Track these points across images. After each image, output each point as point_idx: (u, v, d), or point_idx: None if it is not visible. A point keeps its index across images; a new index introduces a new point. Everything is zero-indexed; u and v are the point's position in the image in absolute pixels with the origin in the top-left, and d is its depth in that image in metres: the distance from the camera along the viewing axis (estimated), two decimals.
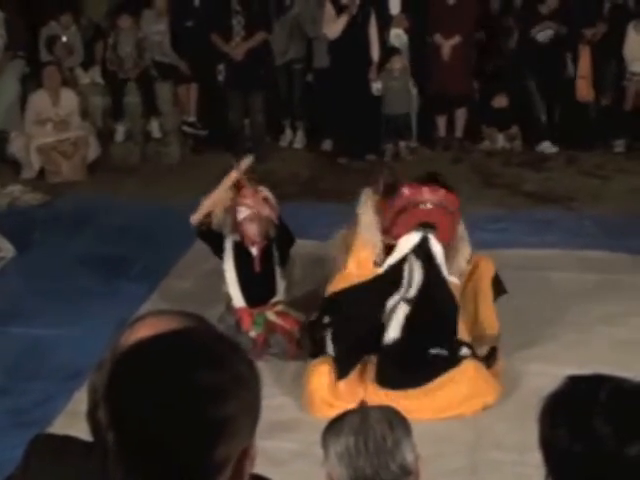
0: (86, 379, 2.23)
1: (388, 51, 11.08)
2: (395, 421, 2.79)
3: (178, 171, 10.99)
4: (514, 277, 7.10)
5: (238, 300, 6.56)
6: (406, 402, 5.51)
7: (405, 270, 6.14)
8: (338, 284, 6.33)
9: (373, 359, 6.05)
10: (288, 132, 11.86)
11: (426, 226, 6.23)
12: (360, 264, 6.35)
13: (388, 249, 6.34)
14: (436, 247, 6.21)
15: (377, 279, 6.24)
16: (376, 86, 11.05)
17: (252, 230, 6.55)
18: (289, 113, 11.85)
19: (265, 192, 6.72)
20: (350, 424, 2.77)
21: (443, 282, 6.18)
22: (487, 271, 6.56)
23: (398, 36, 11.27)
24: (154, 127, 11.77)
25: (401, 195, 6.34)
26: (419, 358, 5.96)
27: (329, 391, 5.90)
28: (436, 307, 6.07)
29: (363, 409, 2.89)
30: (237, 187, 6.63)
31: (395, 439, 2.73)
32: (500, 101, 11.35)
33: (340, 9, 10.76)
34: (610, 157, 11.09)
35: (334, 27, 10.77)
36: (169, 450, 1.59)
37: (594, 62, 11.16)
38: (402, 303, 6.03)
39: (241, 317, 6.53)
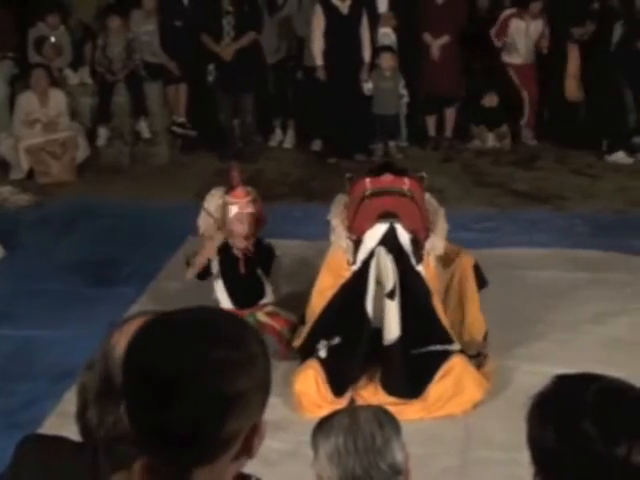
0: (76, 380, 2.22)
1: (378, 49, 11.07)
2: (384, 420, 2.78)
3: (167, 171, 10.97)
4: (504, 276, 7.11)
5: (226, 304, 6.57)
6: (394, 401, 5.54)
7: (372, 266, 5.99)
8: (316, 302, 6.25)
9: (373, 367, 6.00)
10: (278, 132, 11.86)
11: (388, 216, 6.07)
12: (334, 273, 6.22)
13: (358, 245, 6.18)
14: (403, 236, 6.05)
15: (354, 279, 6.12)
16: (367, 86, 11.04)
17: (240, 229, 6.58)
18: (279, 113, 11.84)
19: (254, 191, 6.82)
20: (339, 424, 2.76)
21: (417, 275, 6.05)
22: (469, 269, 6.47)
23: (387, 35, 11.27)
24: (143, 127, 11.76)
25: (352, 191, 6.30)
26: (418, 357, 5.95)
27: (317, 394, 5.88)
28: (416, 301, 5.99)
29: (352, 409, 2.88)
30: (229, 187, 6.67)
31: (385, 438, 2.73)
32: (491, 100, 11.36)
33: (330, 10, 10.76)
34: (600, 156, 11.10)
35: (316, 46, 10.83)
36: (182, 420, 1.61)
37: (583, 61, 11.18)
38: (386, 300, 5.93)
39: None
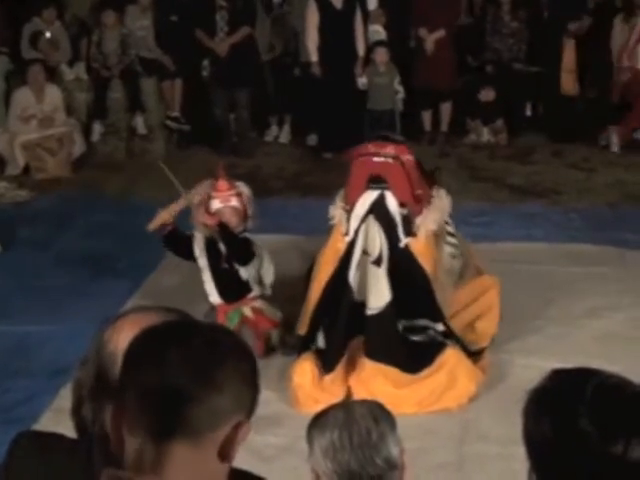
0: (71, 376, 2.22)
1: (372, 44, 11.06)
2: (380, 415, 2.79)
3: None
4: (500, 270, 7.10)
5: (213, 297, 6.57)
6: (391, 390, 5.54)
7: (360, 235, 5.98)
8: (315, 288, 6.22)
9: (360, 338, 5.97)
10: (274, 127, 11.86)
11: (377, 181, 6.03)
12: (331, 256, 6.18)
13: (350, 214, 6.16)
14: (393, 206, 6.00)
15: (346, 251, 6.06)
16: (362, 81, 11.04)
17: (225, 220, 6.53)
18: (275, 108, 11.84)
19: (242, 188, 6.70)
20: (334, 419, 2.76)
21: (405, 246, 6.01)
22: (495, 298, 6.45)
23: (377, 32, 11.26)
24: (139, 123, 11.75)
25: (349, 155, 6.31)
26: (407, 330, 5.95)
27: (313, 386, 5.88)
28: (406, 272, 5.97)
29: (347, 403, 2.89)
30: (214, 179, 6.65)
31: (380, 433, 2.73)
32: (487, 94, 11.35)
33: (324, 5, 10.75)
34: (595, 150, 11.12)
35: (311, 42, 10.81)
36: (168, 381, 1.68)
37: (579, 56, 11.18)
38: (372, 267, 5.89)
39: (217, 313, 6.56)
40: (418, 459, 5.00)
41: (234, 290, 6.61)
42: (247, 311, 6.59)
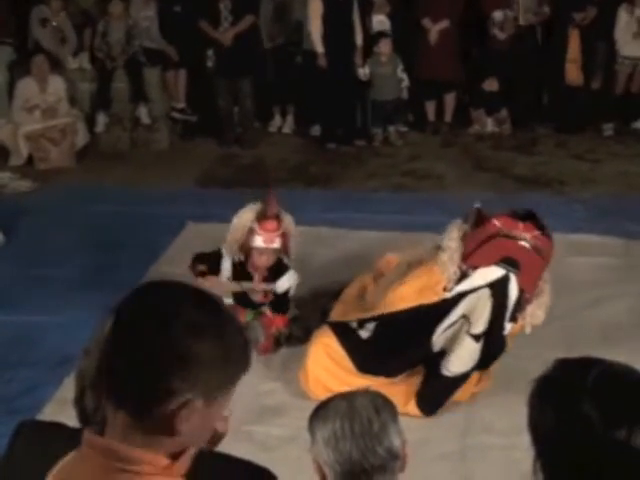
0: (75, 366, 2.22)
1: (375, 36, 11.05)
2: (381, 405, 2.78)
3: (167, 157, 10.98)
4: None
5: (227, 300, 6.45)
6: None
7: (465, 300, 5.73)
8: (389, 301, 5.99)
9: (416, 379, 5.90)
10: (277, 117, 11.85)
11: (509, 263, 5.67)
12: (422, 291, 5.88)
13: (463, 277, 5.83)
14: (513, 291, 5.69)
15: (437, 303, 5.83)
16: (363, 71, 11.02)
17: (260, 261, 6.38)
18: (279, 98, 11.83)
19: (287, 223, 6.46)
20: (336, 409, 2.76)
21: (501, 328, 5.79)
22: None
23: (381, 22, 11.24)
24: (142, 113, 11.74)
25: (491, 224, 5.79)
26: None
27: (327, 374, 5.84)
28: (489, 351, 5.84)
29: (349, 394, 2.88)
30: (261, 214, 6.36)
31: (382, 423, 2.73)
32: (491, 84, 11.33)
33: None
34: (600, 141, 11.11)
35: (316, 33, 10.79)
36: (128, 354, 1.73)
37: (583, 46, 11.16)
38: (467, 336, 5.71)
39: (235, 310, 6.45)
40: (421, 449, 5.00)
41: (252, 304, 6.57)
42: (266, 309, 6.55)
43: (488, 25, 11.24)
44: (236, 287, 6.39)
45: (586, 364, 2.04)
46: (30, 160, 10.73)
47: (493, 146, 11.07)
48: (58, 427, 2.16)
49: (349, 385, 5.16)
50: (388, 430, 2.73)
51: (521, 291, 5.71)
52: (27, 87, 10.90)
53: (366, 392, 2.91)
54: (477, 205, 6.15)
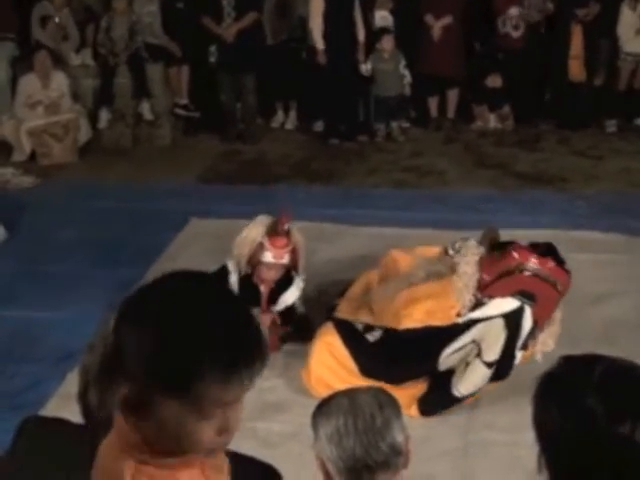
0: (78, 361, 2.22)
1: (377, 32, 11.05)
2: (384, 402, 2.78)
3: (170, 153, 10.98)
4: None
5: None
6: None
7: (477, 327, 5.72)
8: (400, 320, 5.94)
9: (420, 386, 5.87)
10: (280, 113, 11.85)
11: (526, 295, 5.69)
12: (431, 312, 5.87)
13: (478, 304, 5.83)
14: (527, 322, 5.71)
15: (447, 327, 5.81)
16: (365, 67, 11.02)
17: (268, 275, 6.38)
18: (281, 94, 11.82)
19: (296, 238, 6.44)
20: (339, 405, 2.76)
21: (513, 356, 5.78)
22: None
23: (384, 18, 11.24)
24: (145, 109, 11.74)
25: (510, 257, 5.79)
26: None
27: (330, 373, 5.84)
28: (497, 373, 5.81)
29: (352, 390, 2.89)
30: (271, 230, 6.32)
31: (384, 419, 2.73)
32: (494, 80, 11.32)
33: None
34: (602, 137, 11.10)
35: (317, 30, 10.79)
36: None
37: (586, 42, 11.14)
38: (480, 362, 5.70)
39: None
40: (423, 446, 5.01)
41: (257, 303, 6.53)
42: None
43: (498, 23, 11.23)
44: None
45: (591, 360, 2.05)
46: (33, 156, 10.73)
47: (495, 142, 11.07)
48: (62, 423, 2.17)
49: (351, 385, 5.16)
50: (391, 426, 2.73)
51: (535, 322, 5.74)
52: (30, 83, 10.90)
53: (369, 388, 2.92)
54: (492, 225, 6.28)
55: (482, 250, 6.00)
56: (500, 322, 5.69)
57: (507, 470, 5.06)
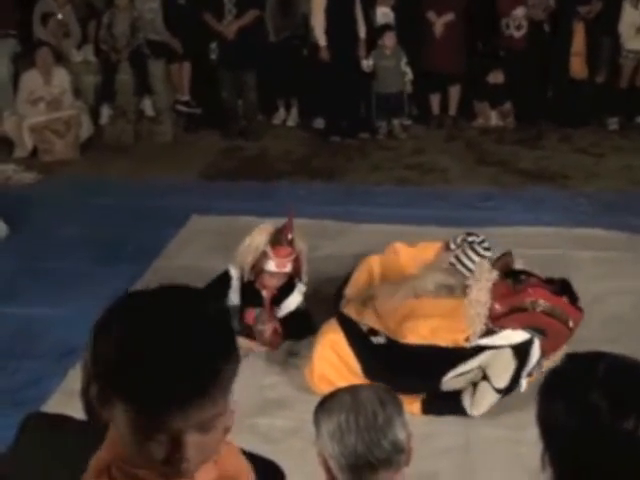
0: (79, 357, 2.23)
1: (379, 29, 11.04)
2: (386, 399, 2.79)
3: (171, 150, 10.98)
4: None
5: (235, 301, 6.43)
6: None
7: (486, 354, 5.71)
8: (403, 332, 5.88)
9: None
10: (281, 110, 11.85)
11: (536, 330, 5.72)
12: (436, 331, 5.84)
13: (488, 333, 5.81)
14: (535, 354, 5.72)
15: (454, 349, 5.79)
16: (367, 63, 11.02)
17: (270, 283, 6.36)
18: (283, 91, 11.82)
19: (300, 246, 6.45)
20: (341, 402, 2.76)
21: (518, 384, 5.74)
22: None
23: (385, 15, 11.23)
24: (147, 105, 11.74)
25: (525, 294, 5.81)
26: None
27: (331, 368, 5.83)
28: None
29: (354, 387, 2.89)
30: (275, 239, 6.32)
31: (386, 416, 2.73)
32: (496, 77, 11.31)
33: None
34: (604, 135, 11.10)
35: (318, 26, 10.79)
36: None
37: (588, 39, 11.14)
38: (490, 388, 5.67)
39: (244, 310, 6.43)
40: (425, 443, 5.01)
41: (260, 303, 6.51)
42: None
43: (501, 23, 11.22)
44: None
45: (594, 357, 2.07)
46: (34, 152, 10.74)
47: (497, 140, 11.07)
48: (64, 419, 2.17)
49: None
50: (393, 423, 2.73)
51: (543, 353, 5.75)
52: (31, 79, 10.90)
53: (371, 386, 2.92)
54: (509, 251, 6.30)
55: (495, 275, 5.98)
56: (509, 352, 5.71)
57: (509, 467, 5.06)
